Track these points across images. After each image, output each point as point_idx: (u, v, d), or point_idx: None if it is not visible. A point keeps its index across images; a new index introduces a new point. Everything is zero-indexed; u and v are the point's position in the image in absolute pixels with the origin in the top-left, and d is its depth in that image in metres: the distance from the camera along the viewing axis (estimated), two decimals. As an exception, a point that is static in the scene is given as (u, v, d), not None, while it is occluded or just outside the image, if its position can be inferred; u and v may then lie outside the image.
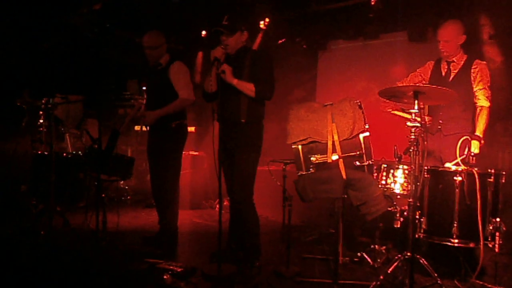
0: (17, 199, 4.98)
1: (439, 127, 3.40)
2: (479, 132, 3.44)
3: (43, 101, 4.03)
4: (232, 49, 3.41)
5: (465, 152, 3.27)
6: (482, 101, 3.53)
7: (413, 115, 2.90)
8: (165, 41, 4.06)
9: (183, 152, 4.19)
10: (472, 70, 3.58)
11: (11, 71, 5.66)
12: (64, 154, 4.33)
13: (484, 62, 3.60)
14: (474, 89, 3.56)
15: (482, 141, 3.39)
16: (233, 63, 3.40)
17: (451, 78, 3.66)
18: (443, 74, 3.72)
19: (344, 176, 3.12)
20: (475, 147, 3.34)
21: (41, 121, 4.25)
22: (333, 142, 3.18)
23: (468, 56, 3.66)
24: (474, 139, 3.37)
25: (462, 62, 3.64)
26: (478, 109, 3.55)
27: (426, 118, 3.59)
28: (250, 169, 3.41)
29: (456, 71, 3.66)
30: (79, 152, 4.40)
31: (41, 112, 4.23)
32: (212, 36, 3.46)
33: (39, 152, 4.29)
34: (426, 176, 3.18)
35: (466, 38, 3.63)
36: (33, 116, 4.47)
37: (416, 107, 2.91)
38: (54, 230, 3.92)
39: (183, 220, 4.52)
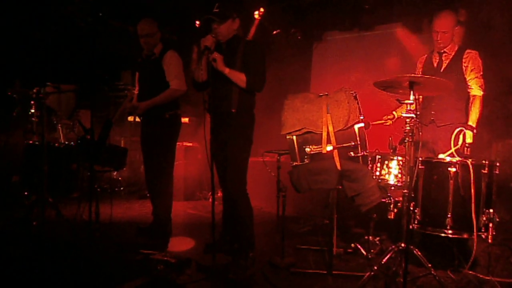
0: (9, 190, 4.94)
1: (432, 118, 3.39)
2: (472, 121, 3.43)
3: (34, 91, 3.98)
4: (224, 37, 3.36)
5: (459, 143, 3.27)
6: (475, 90, 3.52)
7: (408, 105, 2.90)
8: (158, 29, 4.01)
9: (177, 143, 4.16)
10: (463, 60, 3.58)
11: (2, 60, 5.58)
12: (57, 145, 4.29)
13: (476, 51, 3.58)
14: (467, 79, 3.55)
15: (475, 131, 3.39)
16: (225, 53, 3.36)
17: (442, 69, 3.65)
18: (435, 65, 3.71)
19: (339, 167, 3.11)
20: (468, 137, 3.35)
21: (33, 111, 4.19)
22: (328, 132, 3.17)
23: (459, 46, 3.65)
24: (468, 129, 3.36)
25: (454, 52, 3.63)
26: (471, 98, 3.54)
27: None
28: (242, 159, 3.39)
29: (447, 61, 3.65)
30: (72, 143, 4.35)
31: (32, 102, 4.17)
32: (205, 25, 3.40)
33: (31, 143, 4.24)
34: (420, 167, 3.18)
35: (460, 28, 3.63)
36: (25, 106, 4.41)
37: (411, 97, 2.89)
38: (46, 221, 3.88)
39: (177, 211, 4.52)
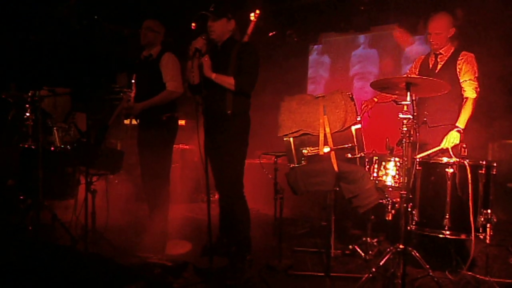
0: (4, 194, 4.90)
1: (425, 119, 3.39)
2: (459, 123, 3.41)
3: (29, 94, 3.95)
4: (218, 37, 3.34)
5: (444, 143, 3.30)
6: (468, 92, 3.52)
7: (405, 107, 2.89)
8: (163, 33, 4.02)
9: (174, 146, 4.15)
10: (458, 62, 3.58)
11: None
12: (52, 148, 4.25)
13: (472, 54, 3.59)
14: (461, 80, 3.55)
15: (462, 131, 3.37)
16: (220, 55, 3.34)
17: (437, 70, 3.66)
18: (430, 66, 3.72)
19: (336, 169, 3.11)
20: (456, 138, 3.34)
21: (28, 114, 4.16)
22: (325, 134, 3.16)
23: (455, 47, 3.65)
24: (454, 130, 3.36)
25: (449, 53, 3.64)
26: (464, 100, 3.54)
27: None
28: (238, 162, 3.37)
29: (442, 63, 3.66)
30: (68, 146, 4.32)
31: (27, 105, 4.14)
32: (200, 27, 3.39)
33: (26, 146, 4.21)
34: (417, 168, 3.17)
35: (455, 30, 3.63)
36: (20, 110, 4.38)
37: (408, 98, 2.89)
38: (42, 225, 3.86)
39: (174, 214, 4.48)
